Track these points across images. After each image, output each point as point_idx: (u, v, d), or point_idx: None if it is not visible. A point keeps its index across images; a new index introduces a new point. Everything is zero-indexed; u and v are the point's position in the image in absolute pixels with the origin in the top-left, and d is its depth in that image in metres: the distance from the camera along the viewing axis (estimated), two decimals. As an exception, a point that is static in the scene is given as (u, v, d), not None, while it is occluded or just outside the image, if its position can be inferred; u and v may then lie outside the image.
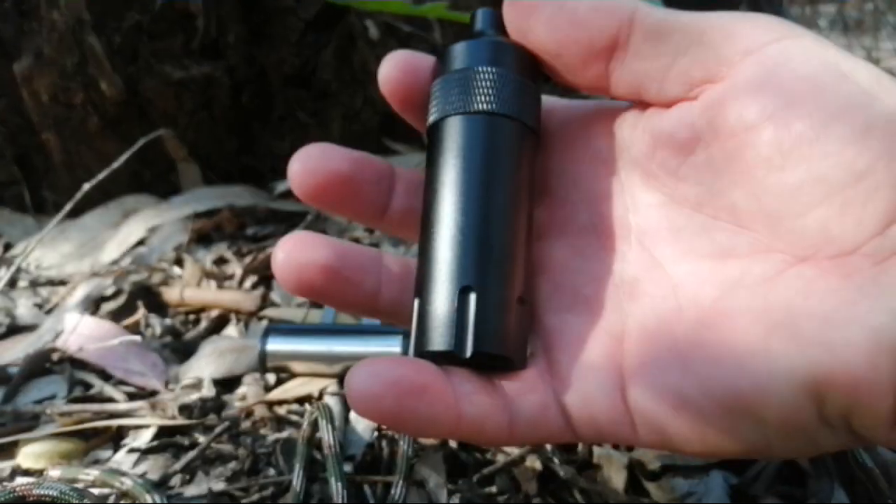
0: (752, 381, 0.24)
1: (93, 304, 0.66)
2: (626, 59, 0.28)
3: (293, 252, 0.30)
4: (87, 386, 0.56)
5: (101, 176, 0.72)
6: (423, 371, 0.26)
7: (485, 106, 0.28)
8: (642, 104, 0.30)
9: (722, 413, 0.25)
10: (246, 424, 0.50)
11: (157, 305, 0.66)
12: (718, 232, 0.28)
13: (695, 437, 0.25)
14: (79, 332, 0.59)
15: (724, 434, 0.25)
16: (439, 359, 0.28)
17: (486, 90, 0.28)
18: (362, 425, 0.48)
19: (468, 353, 0.27)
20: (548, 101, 0.33)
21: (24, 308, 0.68)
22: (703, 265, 0.28)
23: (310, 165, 0.31)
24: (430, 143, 0.30)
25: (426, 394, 0.26)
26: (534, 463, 0.44)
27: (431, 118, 0.30)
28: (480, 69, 0.29)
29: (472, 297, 0.27)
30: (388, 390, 0.25)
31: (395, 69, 0.32)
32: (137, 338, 0.58)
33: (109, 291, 0.68)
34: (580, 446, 0.45)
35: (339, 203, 0.32)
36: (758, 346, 0.24)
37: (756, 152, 0.25)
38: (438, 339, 0.27)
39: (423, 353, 0.28)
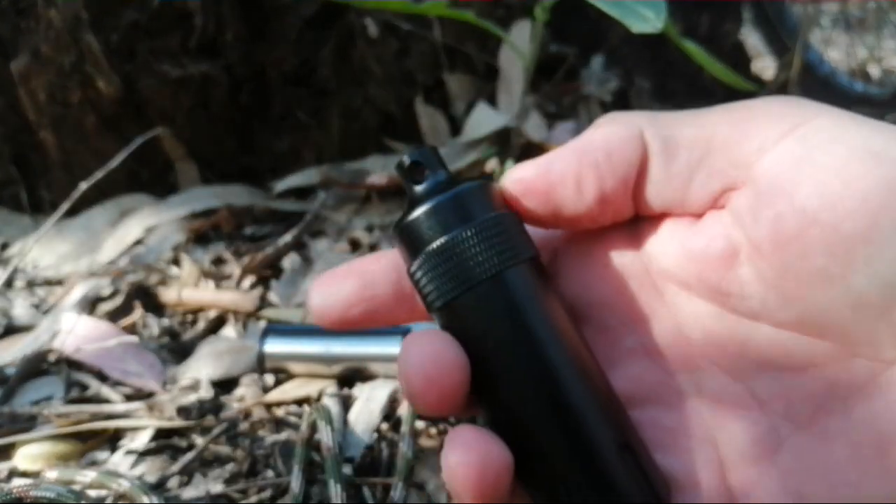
0: None
1: (90, 305, 0.66)
2: (644, 190, 0.27)
3: (472, 455, 0.25)
4: (84, 387, 0.55)
5: (98, 175, 0.71)
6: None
7: (491, 271, 0.26)
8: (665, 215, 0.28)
9: None
10: (244, 426, 0.49)
11: (155, 306, 0.66)
12: (789, 343, 0.25)
13: None
14: (76, 332, 0.58)
15: None
16: None
17: (480, 254, 0.26)
18: (361, 427, 0.48)
19: None
20: None
21: (20, 308, 0.68)
22: (784, 381, 0.25)
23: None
24: (446, 326, 0.27)
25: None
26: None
27: (437, 303, 0.27)
28: (461, 236, 0.26)
29: (630, 456, 0.25)
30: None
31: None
32: (135, 338, 0.58)
33: (106, 292, 0.67)
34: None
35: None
36: (872, 466, 0.23)
37: (809, 263, 0.23)
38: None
39: None
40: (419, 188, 0.28)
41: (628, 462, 0.25)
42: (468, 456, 0.24)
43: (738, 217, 0.25)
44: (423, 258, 0.26)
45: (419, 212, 0.27)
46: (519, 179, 0.28)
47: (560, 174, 0.27)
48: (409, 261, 0.27)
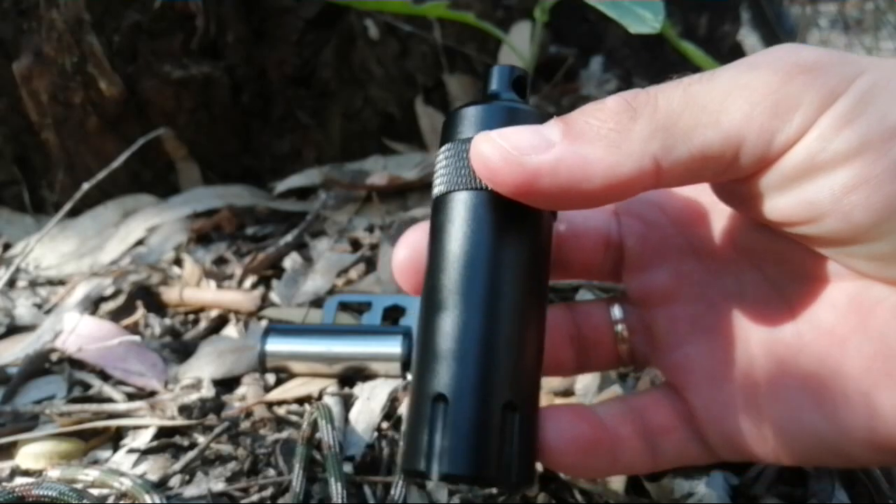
0: (891, 426, 0.24)
1: (92, 304, 0.66)
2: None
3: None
4: (87, 386, 0.56)
5: (100, 175, 0.71)
6: (596, 427, 0.28)
7: (479, 185, 0.26)
8: None
9: (862, 450, 0.25)
10: (245, 425, 0.50)
11: (157, 305, 0.66)
12: (822, 259, 0.26)
13: (839, 464, 0.26)
14: (78, 332, 0.59)
15: (868, 461, 0.25)
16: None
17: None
18: (362, 426, 0.48)
19: (434, 476, 0.24)
20: None
21: (23, 308, 0.68)
22: (816, 287, 0.26)
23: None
24: (434, 215, 0.28)
25: (597, 448, 0.29)
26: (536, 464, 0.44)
27: (438, 188, 0.27)
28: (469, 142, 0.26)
29: (443, 408, 0.24)
30: (570, 447, 0.28)
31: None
32: (137, 338, 0.58)
33: (109, 291, 0.68)
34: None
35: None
36: (880, 385, 0.24)
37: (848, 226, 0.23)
38: (410, 458, 0.25)
39: (404, 470, 0.26)
40: (486, 93, 0.29)
41: (498, 423, 0.25)
42: (406, 251, 0.29)
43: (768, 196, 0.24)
44: (453, 145, 0.27)
45: (466, 108, 0.28)
46: (484, 156, 0.25)
47: (541, 177, 0.24)
48: (440, 146, 0.29)
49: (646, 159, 0.23)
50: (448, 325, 0.25)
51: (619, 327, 0.32)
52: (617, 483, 0.43)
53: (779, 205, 0.24)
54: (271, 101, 0.86)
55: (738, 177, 0.24)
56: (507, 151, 0.24)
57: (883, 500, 0.39)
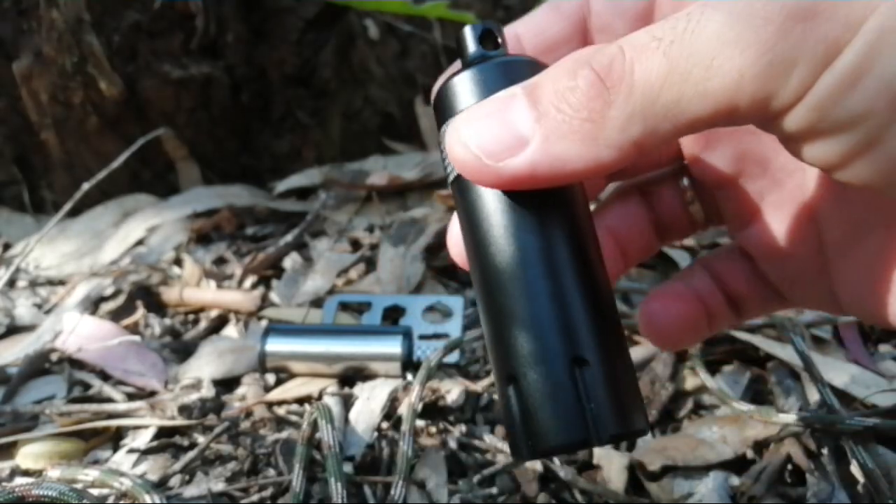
0: None
1: (92, 304, 0.66)
2: None
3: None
4: (87, 386, 0.56)
5: (100, 175, 0.72)
6: (696, 305, 0.32)
7: None
8: None
9: None
10: (245, 425, 0.50)
11: (157, 305, 0.66)
12: None
13: None
14: (78, 332, 0.59)
15: None
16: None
17: None
18: (362, 426, 0.48)
19: (528, 458, 0.24)
20: None
21: (23, 308, 0.68)
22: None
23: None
24: (456, 199, 0.27)
25: (699, 324, 0.33)
26: (534, 464, 0.44)
27: (452, 173, 0.26)
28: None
29: (514, 388, 0.24)
30: (678, 330, 0.32)
31: None
32: (137, 338, 0.58)
33: (109, 291, 0.68)
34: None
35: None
36: None
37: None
38: (510, 445, 0.25)
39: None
40: (469, 55, 0.27)
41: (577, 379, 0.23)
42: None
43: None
44: (444, 129, 0.26)
45: (458, 76, 0.26)
46: (459, 162, 0.24)
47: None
48: (438, 129, 0.27)
49: (625, 145, 0.22)
50: (498, 309, 0.25)
51: (689, 195, 0.33)
52: (617, 483, 0.43)
53: (786, 148, 0.24)
54: (271, 100, 0.86)
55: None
56: (479, 160, 0.23)
57: (883, 500, 0.39)
